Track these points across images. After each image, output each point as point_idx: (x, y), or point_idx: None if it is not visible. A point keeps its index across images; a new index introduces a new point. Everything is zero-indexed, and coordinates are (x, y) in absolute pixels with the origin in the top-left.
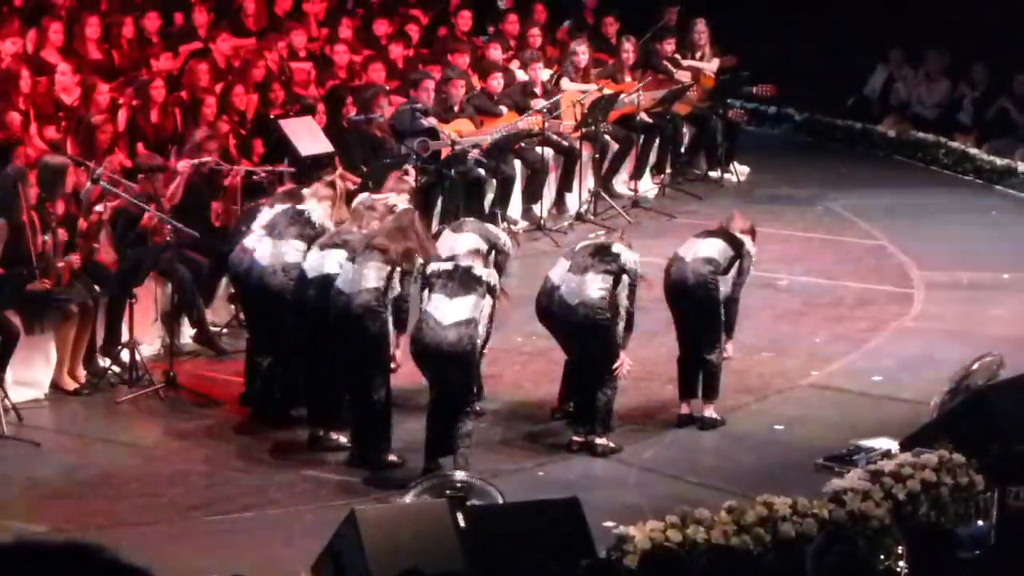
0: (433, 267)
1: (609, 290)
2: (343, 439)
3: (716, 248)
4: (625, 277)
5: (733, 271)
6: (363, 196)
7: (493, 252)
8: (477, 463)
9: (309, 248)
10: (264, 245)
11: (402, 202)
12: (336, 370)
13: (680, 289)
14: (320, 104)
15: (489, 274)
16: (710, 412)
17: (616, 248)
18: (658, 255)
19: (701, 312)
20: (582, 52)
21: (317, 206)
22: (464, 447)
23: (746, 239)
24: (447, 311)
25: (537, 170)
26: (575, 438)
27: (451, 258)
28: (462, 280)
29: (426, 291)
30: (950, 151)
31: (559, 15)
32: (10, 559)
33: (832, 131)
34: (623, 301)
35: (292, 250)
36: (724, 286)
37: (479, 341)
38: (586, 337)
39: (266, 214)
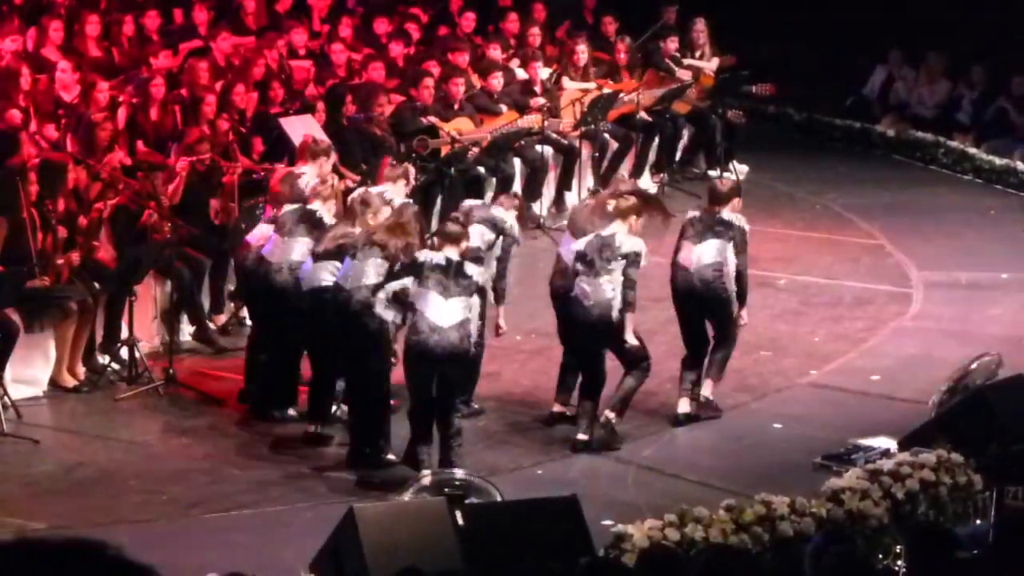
0: (426, 256)
1: (619, 284)
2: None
3: (714, 249)
4: (624, 260)
5: (732, 251)
6: (360, 191)
7: (500, 237)
8: (476, 461)
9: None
10: (272, 242)
11: (398, 193)
12: (335, 367)
13: (690, 297)
14: (320, 102)
15: (480, 273)
16: (708, 391)
17: (618, 240)
18: (656, 254)
19: (716, 314)
20: (581, 51)
21: (323, 206)
22: (456, 444)
23: (733, 215)
24: (444, 313)
25: (537, 168)
26: (580, 436)
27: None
28: (456, 278)
29: (414, 283)
30: (949, 151)
31: (559, 14)
32: (12, 556)
33: (831, 131)
34: (618, 279)
35: (300, 247)
36: (729, 265)
37: (473, 339)
38: (599, 335)
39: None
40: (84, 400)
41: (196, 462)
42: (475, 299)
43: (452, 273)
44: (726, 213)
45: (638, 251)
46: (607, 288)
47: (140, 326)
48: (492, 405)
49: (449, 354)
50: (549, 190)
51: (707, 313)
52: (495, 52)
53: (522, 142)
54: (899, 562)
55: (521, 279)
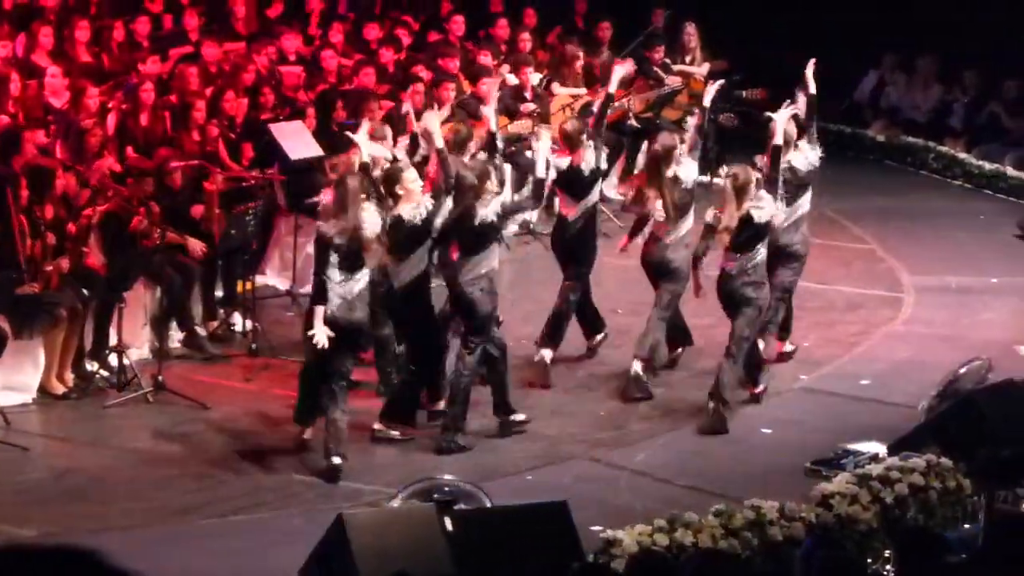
0: (336, 232)
1: (756, 263)
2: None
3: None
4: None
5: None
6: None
7: None
8: (466, 467)
9: None
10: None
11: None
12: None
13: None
14: (310, 108)
15: (374, 225)
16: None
17: (755, 216)
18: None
19: None
20: (579, 60)
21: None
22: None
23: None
24: (350, 287)
25: (527, 174)
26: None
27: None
28: (358, 252)
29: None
30: (940, 156)
31: (549, 19)
32: (2, 564)
33: (823, 135)
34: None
35: None
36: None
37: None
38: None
39: None
40: (73, 407)
41: (186, 468)
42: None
43: (355, 247)
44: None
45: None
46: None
47: (129, 333)
48: (482, 411)
49: (356, 327)
50: None
51: None
52: (486, 58)
53: (513, 148)
54: (888, 566)
55: (513, 284)
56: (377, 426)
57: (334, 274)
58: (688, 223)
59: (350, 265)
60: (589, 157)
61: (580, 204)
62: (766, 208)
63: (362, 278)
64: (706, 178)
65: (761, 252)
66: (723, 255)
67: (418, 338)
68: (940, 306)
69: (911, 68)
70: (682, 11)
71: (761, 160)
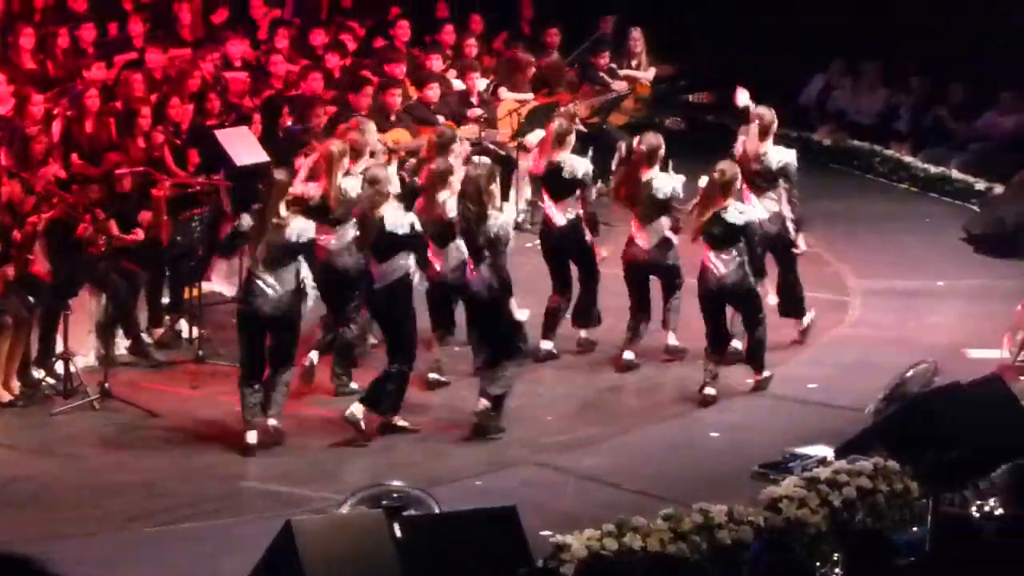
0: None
1: (739, 259)
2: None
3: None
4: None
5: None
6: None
7: None
8: (415, 473)
9: None
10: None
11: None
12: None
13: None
14: (256, 114)
15: (302, 232)
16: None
17: (730, 217)
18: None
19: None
20: (531, 67)
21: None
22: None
23: None
24: (273, 279)
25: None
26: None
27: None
28: (284, 248)
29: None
30: (885, 159)
31: (496, 25)
32: None
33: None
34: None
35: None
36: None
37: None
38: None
39: None
40: (19, 415)
41: (134, 476)
42: (302, 260)
43: (280, 243)
44: None
45: (747, 221)
46: (731, 264)
47: (75, 340)
48: (430, 415)
49: (282, 316)
50: None
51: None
52: (436, 63)
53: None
54: (837, 570)
55: None
56: (353, 409)
57: (253, 267)
58: (667, 225)
59: (272, 261)
60: (575, 161)
61: (566, 207)
62: (746, 207)
63: (289, 274)
64: None
65: (743, 249)
66: (705, 252)
67: (398, 338)
68: (886, 309)
69: (858, 72)
70: (632, 16)
71: (740, 146)
